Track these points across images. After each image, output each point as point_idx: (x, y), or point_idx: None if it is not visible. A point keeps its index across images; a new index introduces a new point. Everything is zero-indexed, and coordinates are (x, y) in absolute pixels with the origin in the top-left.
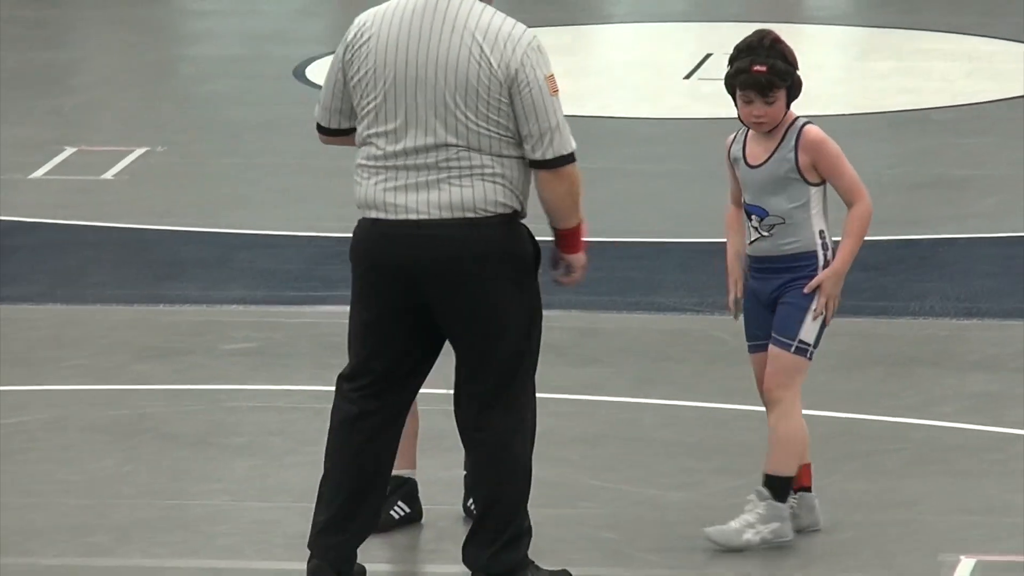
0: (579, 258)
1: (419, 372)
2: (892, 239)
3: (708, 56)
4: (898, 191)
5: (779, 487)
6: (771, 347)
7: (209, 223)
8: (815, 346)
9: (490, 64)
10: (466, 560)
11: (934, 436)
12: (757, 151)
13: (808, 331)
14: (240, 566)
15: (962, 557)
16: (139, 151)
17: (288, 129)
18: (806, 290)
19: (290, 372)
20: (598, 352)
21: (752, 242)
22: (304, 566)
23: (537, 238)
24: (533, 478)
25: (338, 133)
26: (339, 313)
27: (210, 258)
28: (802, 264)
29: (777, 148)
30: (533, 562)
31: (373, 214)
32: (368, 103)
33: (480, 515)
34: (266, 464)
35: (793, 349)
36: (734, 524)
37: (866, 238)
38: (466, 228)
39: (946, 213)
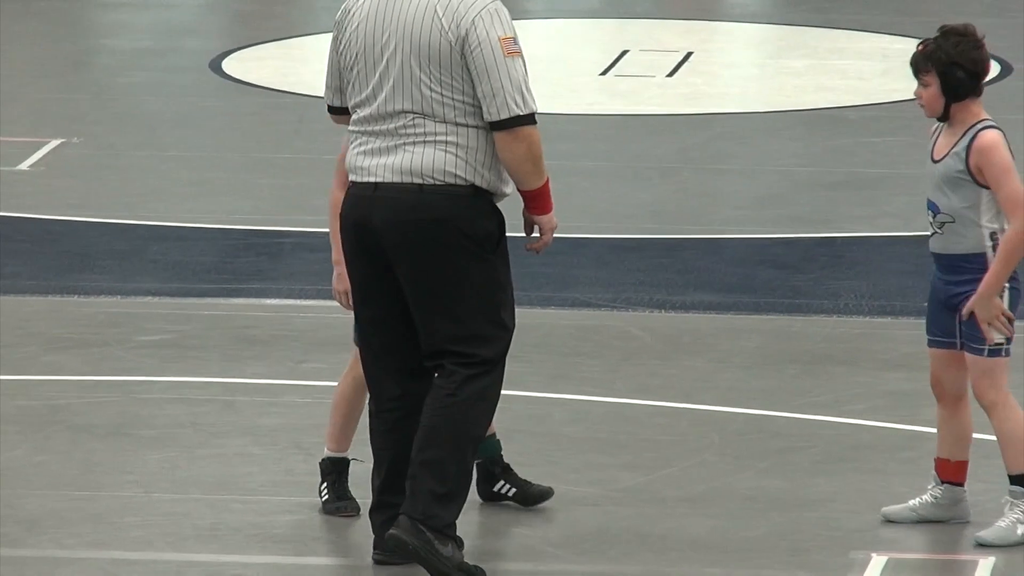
0: (547, 219)
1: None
2: (806, 237)
3: (624, 53)
4: (812, 190)
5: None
6: (967, 355)
7: (124, 215)
8: (1009, 342)
9: (442, 26)
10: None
11: (847, 434)
12: (941, 146)
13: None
14: (150, 558)
15: (873, 555)
16: (55, 142)
17: (203, 122)
18: (963, 316)
19: (202, 364)
20: (511, 347)
21: (930, 237)
22: (213, 557)
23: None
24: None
25: (341, 111)
26: (251, 306)
27: (124, 250)
28: (971, 266)
29: (954, 146)
30: (457, 540)
31: (352, 177)
32: (352, 73)
33: (417, 471)
34: (177, 456)
35: (987, 353)
36: (1003, 523)
37: (784, 236)
38: (414, 194)
39: (860, 212)
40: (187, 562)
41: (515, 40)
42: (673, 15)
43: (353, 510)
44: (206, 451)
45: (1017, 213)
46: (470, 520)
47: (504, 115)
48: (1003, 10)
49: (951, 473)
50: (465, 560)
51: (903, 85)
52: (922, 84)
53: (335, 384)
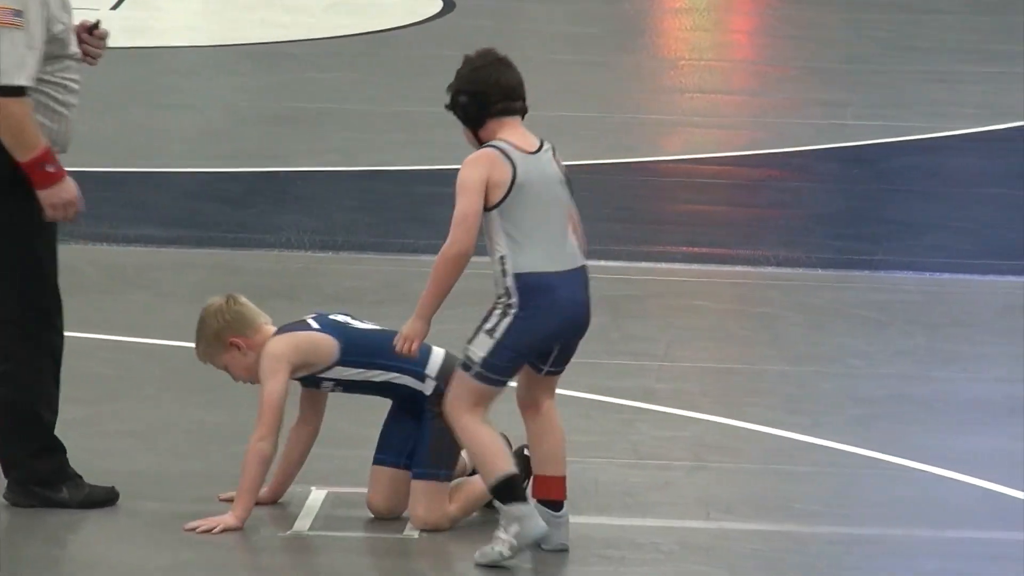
0: (46, 195)
1: None
2: (250, 172)
3: None
4: (257, 124)
5: (495, 493)
6: None
7: None
8: (486, 367)
9: None
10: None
11: None
12: None
13: (478, 345)
14: None
15: (313, 488)
16: None
17: None
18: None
19: None
20: None
21: None
22: None
23: None
24: None
25: None
26: None
27: None
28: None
29: None
30: (78, 478)
31: None
32: None
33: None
34: None
35: (459, 364)
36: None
37: (229, 170)
38: None
39: (304, 147)
40: None
41: (16, 12)
42: None
43: None
44: None
45: (452, 230)
46: None
47: None
48: None
49: (542, 491)
50: (90, 487)
51: (348, 21)
52: None
53: None
